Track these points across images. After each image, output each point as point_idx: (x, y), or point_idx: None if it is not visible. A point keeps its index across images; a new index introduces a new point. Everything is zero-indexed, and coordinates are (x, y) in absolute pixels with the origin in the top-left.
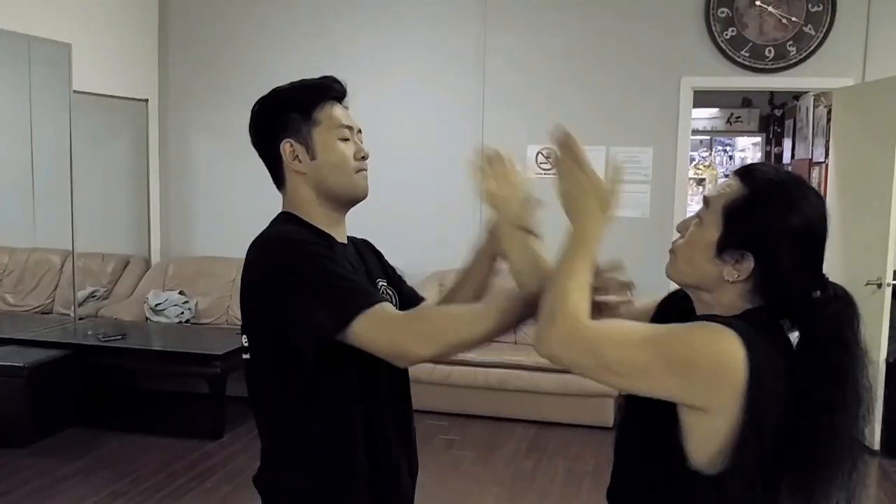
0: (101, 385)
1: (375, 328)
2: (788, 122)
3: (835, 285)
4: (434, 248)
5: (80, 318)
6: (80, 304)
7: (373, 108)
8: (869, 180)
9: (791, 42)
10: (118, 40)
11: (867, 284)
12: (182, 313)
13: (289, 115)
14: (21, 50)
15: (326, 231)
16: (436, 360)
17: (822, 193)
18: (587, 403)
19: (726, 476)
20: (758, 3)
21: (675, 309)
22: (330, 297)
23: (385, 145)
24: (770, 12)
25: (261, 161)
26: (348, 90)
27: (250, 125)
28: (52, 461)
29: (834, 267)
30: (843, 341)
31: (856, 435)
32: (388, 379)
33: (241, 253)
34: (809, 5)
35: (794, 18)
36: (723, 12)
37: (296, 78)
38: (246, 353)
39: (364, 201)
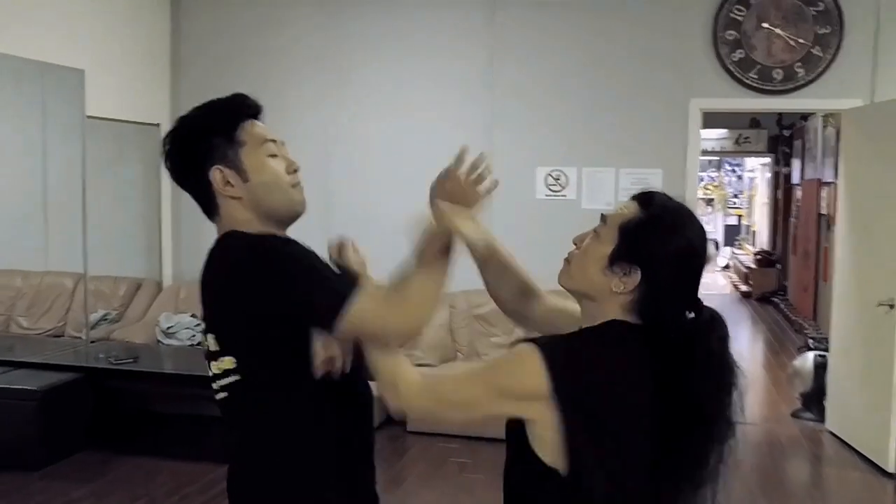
0: (113, 408)
1: (371, 312)
2: (797, 143)
3: (708, 308)
4: None
5: (93, 341)
6: (93, 327)
7: (382, 132)
8: (879, 200)
9: (799, 64)
10: (130, 66)
11: (879, 305)
12: (193, 336)
13: (211, 141)
14: (35, 76)
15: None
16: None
17: (833, 212)
18: None
19: (573, 474)
20: (765, 25)
21: None
22: (328, 280)
23: (394, 170)
24: (778, 34)
25: None
26: (360, 112)
27: (168, 159)
28: (64, 484)
29: (844, 288)
30: (713, 362)
31: (721, 453)
32: (363, 404)
33: None
34: (817, 27)
35: (801, 40)
36: (730, 35)
37: (309, 104)
38: (229, 376)
39: (375, 226)
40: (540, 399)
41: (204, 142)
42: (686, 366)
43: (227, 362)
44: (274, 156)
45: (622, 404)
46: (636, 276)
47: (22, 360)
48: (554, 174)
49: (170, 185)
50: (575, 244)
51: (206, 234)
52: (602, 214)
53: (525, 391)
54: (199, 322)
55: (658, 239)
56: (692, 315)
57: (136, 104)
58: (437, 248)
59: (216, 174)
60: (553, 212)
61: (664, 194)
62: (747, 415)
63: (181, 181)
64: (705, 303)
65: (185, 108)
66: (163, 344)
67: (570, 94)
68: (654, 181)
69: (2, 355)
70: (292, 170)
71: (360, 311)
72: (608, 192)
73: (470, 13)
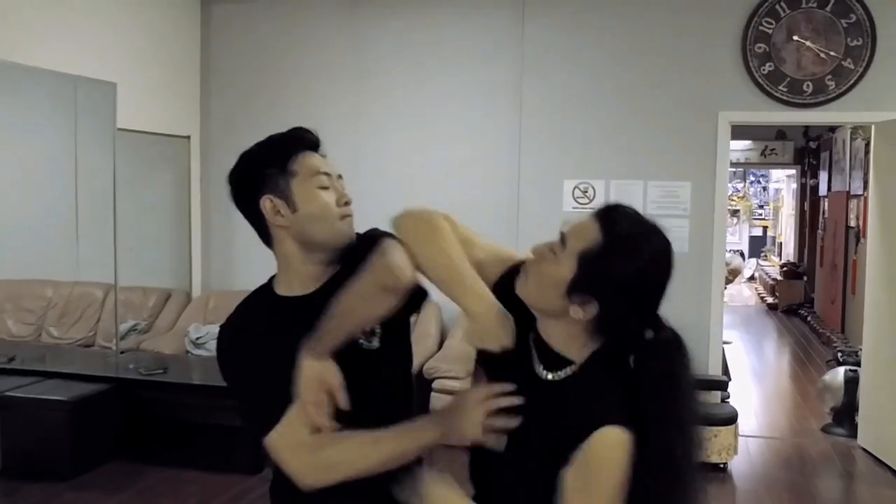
0: (142, 419)
1: (278, 450)
2: (824, 155)
3: (669, 329)
4: None
5: (122, 352)
6: (122, 338)
7: (410, 146)
8: None
9: (830, 76)
10: (161, 79)
11: None
12: None
13: (264, 171)
14: (68, 89)
15: (294, 294)
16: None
17: (862, 225)
18: None
19: None
20: (795, 38)
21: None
22: (247, 414)
23: (422, 183)
24: (808, 47)
25: None
26: (388, 125)
27: (230, 186)
28: (93, 495)
29: (876, 301)
30: (671, 381)
31: (692, 475)
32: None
33: None
34: (849, 39)
35: (832, 53)
36: (760, 47)
37: (337, 117)
38: None
39: None
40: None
41: (259, 171)
42: (644, 385)
43: None
44: (325, 188)
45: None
46: (594, 308)
47: (52, 371)
48: (582, 187)
49: (199, 196)
50: (532, 254)
51: (236, 244)
52: (561, 232)
53: (621, 475)
54: None
55: (617, 269)
56: (651, 334)
57: (167, 116)
58: (414, 436)
59: (266, 203)
60: None
61: (627, 210)
62: (776, 428)
63: (239, 208)
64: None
65: (215, 120)
66: (192, 354)
67: (598, 106)
68: (683, 194)
69: (33, 365)
70: (343, 202)
71: (273, 446)
72: (636, 204)
73: (498, 26)
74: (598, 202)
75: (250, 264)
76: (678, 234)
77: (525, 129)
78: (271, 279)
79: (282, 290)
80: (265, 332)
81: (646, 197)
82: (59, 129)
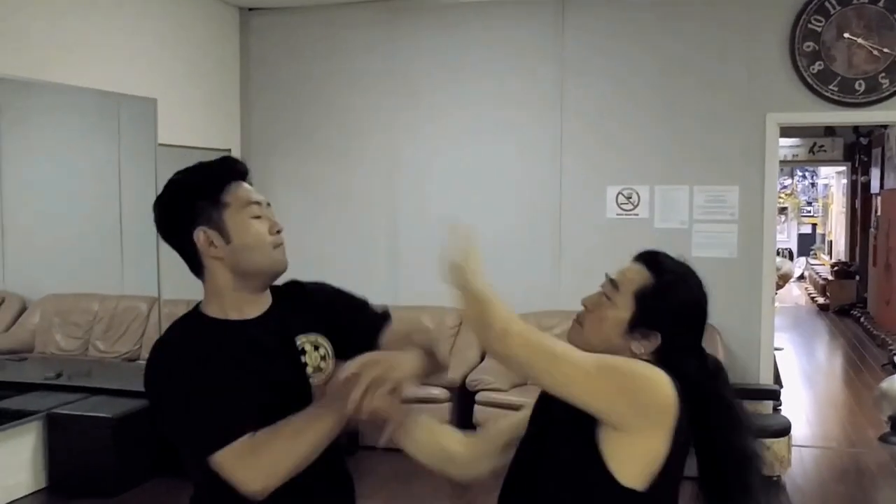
0: None
1: (226, 464)
2: (876, 151)
3: (711, 357)
4: (513, 290)
5: None
6: None
7: (449, 153)
8: None
9: (883, 74)
10: (201, 94)
11: None
12: None
13: (197, 203)
14: (111, 107)
15: (231, 317)
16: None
17: None
18: None
19: (655, 492)
20: (846, 35)
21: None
22: (190, 433)
23: (462, 191)
24: (860, 44)
25: (341, 208)
26: (428, 133)
27: (157, 219)
28: None
29: None
30: (724, 405)
31: (758, 471)
32: None
33: None
34: None
35: (886, 49)
36: (808, 46)
37: (377, 126)
38: None
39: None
40: (659, 416)
41: (190, 203)
42: (703, 410)
43: None
44: (258, 217)
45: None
46: (656, 340)
47: (98, 387)
48: (625, 193)
49: None
50: (585, 306)
51: None
52: (609, 278)
53: (656, 405)
54: None
55: (674, 303)
56: (696, 362)
57: (207, 131)
58: (335, 406)
59: (200, 235)
60: (625, 231)
61: (664, 254)
62: (831, 438)
63: (169, 241)
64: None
65: (255, 132)
66: None
67: (641, 109)
68: (731, 198)
69: (80, 381)
70: (275, 231)
71: (219, 464)
72: (682, 210)
73: (538, 32)
74: (643, 208)
75: (289, 275)
76: (726, 239)
77: (567, 134)
78: (197, 306)
79: (215, 313)
80: (206, 354)
81: (692, 202)
82: (103, 146)
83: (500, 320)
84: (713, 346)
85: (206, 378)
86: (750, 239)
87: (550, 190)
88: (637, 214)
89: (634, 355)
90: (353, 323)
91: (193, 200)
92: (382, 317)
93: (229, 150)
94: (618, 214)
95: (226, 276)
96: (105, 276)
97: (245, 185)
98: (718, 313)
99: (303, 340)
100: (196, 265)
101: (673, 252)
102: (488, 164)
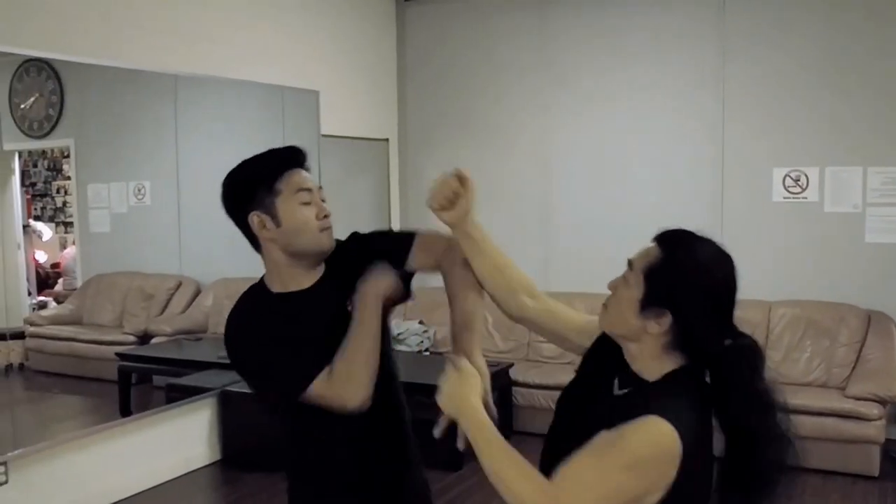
0: None
1: (321, 394)
2: None
3: (746, 337)
4: None
5: None
6: None
7: (603, 138)
8: None
9: None
10: (360, 86)
11: None
12: (421, 342)
13: (254, 189)
14: (276, 99)
15: (289, 290)
16: None
17: None
18: (847, 450)
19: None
20: None
21: (609, 346)
22: (279, 378)
23: (617, 175)
24: None
25: (495, 194)
26: (581, 118)
27: (222, 199)
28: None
29: None
30: (748, 388)
31: (783, 456)
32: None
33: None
34: None
35: None
36: None
37: (530, 111)
38: None
39: (599, 234)
40: (667, 471)
41: (248, 189)
42: (725, 393)
43: None
44: (307, 203)
45: (706, 453)
46: (668, 318)
47: None
48: (793, 175)
49: (398, 195)
50: (609, 289)
51: None
52: (628, 260)
53: (662, 480)
54: (426, 328)
55: (680, 281)
56: (730, 342)
57: (366, 121)
58: (373, 304)
59: (254, 218)
60: (793, 216)
61: (686, 231)
62: None
63: (232, 219)
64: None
65: (411, 121)
66: (393, 349)
67: (809, 86)
68: None
69: None
70: (322, 216)
71: (313, 394)
72: (855, 193)
73: (696, 8)
74: (812, 191)
75: None
76: None
77: (729, 114)
78: (262, 279)
79: (277, 288)
80: (275, 320)
81: (865, 185)
82: (269, 137)
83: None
84: (888, 336)
85: (279, 334)
86: None
87: (711, 174)
88: (805, 198)
89: (650, 335)
90: (382, 255)
91: (251, 187)
92: (407, 238)
93: (387, 140)
94: (784, 198)
95: (279, 255)
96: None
97: (302, 172)
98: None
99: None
100: (254, 243)
101: (843, 237)
102: (644, 147)
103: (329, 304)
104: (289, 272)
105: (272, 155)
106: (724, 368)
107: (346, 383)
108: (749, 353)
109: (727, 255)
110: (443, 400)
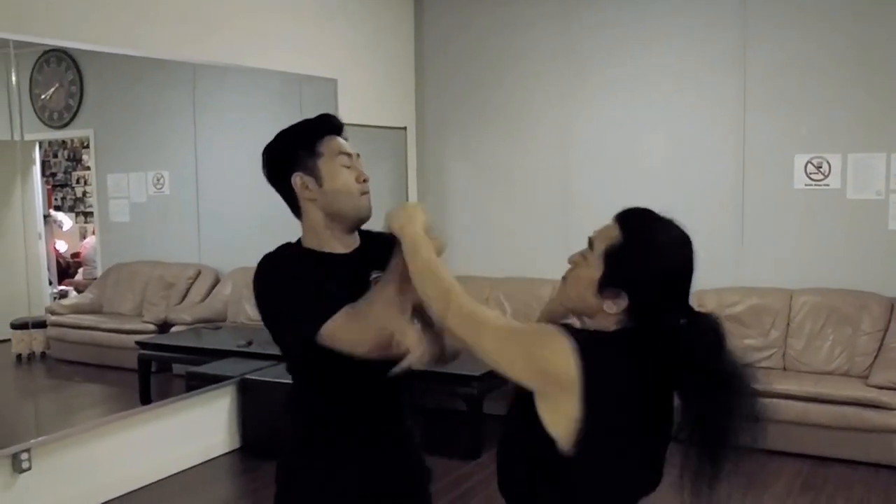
0: None
1: (334, 335)
2: None
3: (705, 316)
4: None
5: None
6: None
7: (623, 127)
8: None
9: None
10: (378, 74)
11: None
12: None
13: (296, 152)
14: (294, 87)
15: (325, 250)
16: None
17: None
18: (870, 438)
19: (581, 458)
20: None
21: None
22: (295, 315)
23: (639, 164)
24: None
25: (512, 182)
26: (601, 107)
27: (263, 166)
28: None
29: None
30: (708, 367)
31: (740, 437)
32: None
33: (498, 271)
34: None
35: None
36: None
37: (549, 101)
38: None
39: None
40: (566, 386)
41: (290, 152)
42: (679, 371)
43: None
44: (347, 167)
45: (634, 407)
46: (624, 300)
47: None
48: (815, 162)
49: (416, 183)
50: (569, 263)
51: (451, 230)
52: (589, 238)
53: (555, 371)
54: None
55: (638, 264)
56: (684, 322)
57: (384, 109)
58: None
59: (297, 179)
60: (814, 203)
61: (647, 211)
62: None
63: (273, 183)
64: None
65: (429, 110)
66: None
67: (832, 70)
68: None
69: (268, 349)
70: (362, 180)
71: (329, 332)
72: (878, 179)
73: None
74: (834, 178)
75: (466, 248)
76: None
77: (750, 100)
78: (298, 240)
79: (312, 246)
80: (304, 269)
81: (889, 171)
82: (287, 124)
83: (438, 289)
84: None
85: (305, 279)
86: None
87: (732, 161)
88: (828, 185)
89: (607, 315)
90: None
91: (293, 149)
92: None
93: (405, 129)
94: (806, 185)
95: (318, 216)
96: None
97: (339, 139)
98: None
99: (375, 277)
100: (295, 206)
101: (866, 225)
102: (664, 135)
103: (357, 273)
104: (325, 234)
105: (310, 122)
106: (678, 347)
107: (360, 329)
108: (705, 333)
109: (686, 237)
110: (389, 220)
